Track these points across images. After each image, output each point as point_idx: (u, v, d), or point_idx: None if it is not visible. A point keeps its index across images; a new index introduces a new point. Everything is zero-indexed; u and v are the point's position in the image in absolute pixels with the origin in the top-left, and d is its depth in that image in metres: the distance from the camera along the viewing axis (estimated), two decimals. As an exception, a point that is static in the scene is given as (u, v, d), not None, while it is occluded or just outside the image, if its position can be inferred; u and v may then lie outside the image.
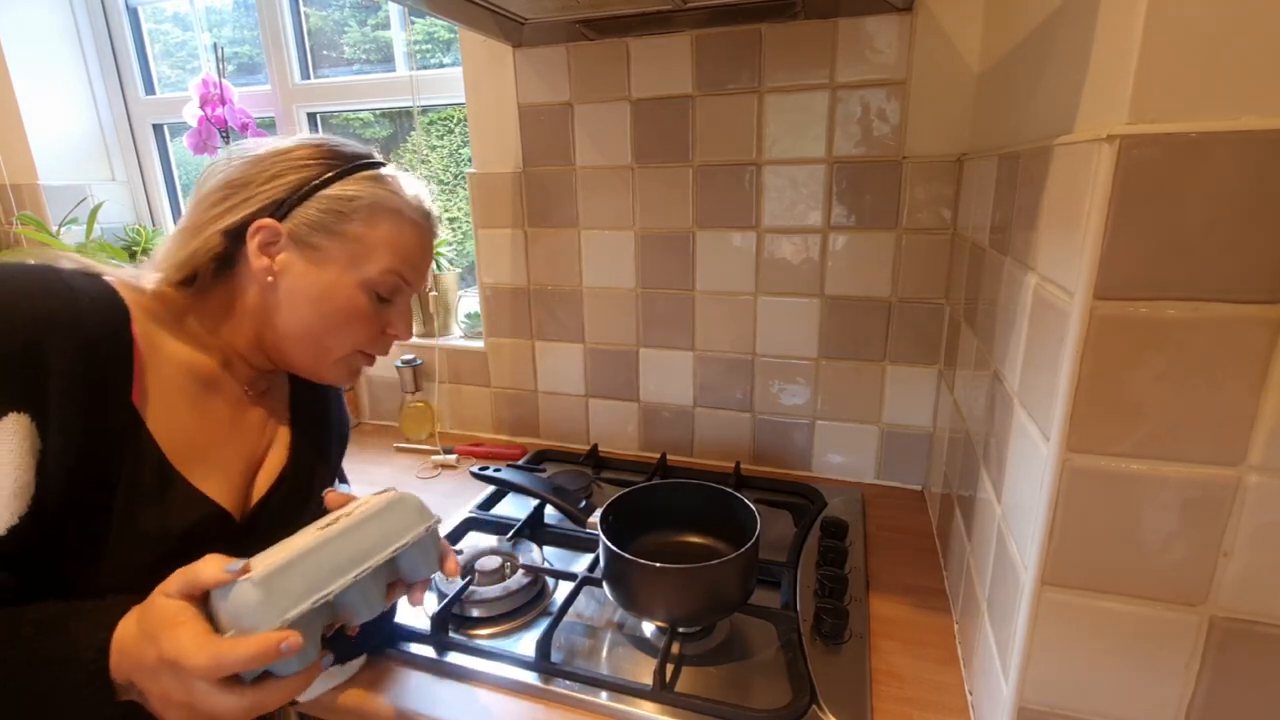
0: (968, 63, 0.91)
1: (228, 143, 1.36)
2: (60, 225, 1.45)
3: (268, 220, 0.58)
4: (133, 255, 1.48)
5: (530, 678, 0.68)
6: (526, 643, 0.73)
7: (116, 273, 0.58)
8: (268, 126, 1.47)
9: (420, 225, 0.64)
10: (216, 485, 0.59)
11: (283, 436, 0.68)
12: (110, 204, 1.57)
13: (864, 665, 0.69)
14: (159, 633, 0.43)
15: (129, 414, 0.53)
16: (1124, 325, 0.40)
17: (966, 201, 0.89)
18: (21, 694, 0.44)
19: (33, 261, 0.53)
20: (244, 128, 1.35)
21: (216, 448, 0.61)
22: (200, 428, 0.59)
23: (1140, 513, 0.43)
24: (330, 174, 0.60)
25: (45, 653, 0.45)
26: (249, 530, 0.62)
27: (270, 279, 0.59)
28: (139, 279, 0.58)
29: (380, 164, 0.64)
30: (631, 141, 1.08)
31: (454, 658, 0.72)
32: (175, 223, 1.67)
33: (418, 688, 0.69)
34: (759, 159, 1.02)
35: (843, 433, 1.10)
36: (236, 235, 0.58)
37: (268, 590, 0.45)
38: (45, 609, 0.47)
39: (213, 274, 0.59)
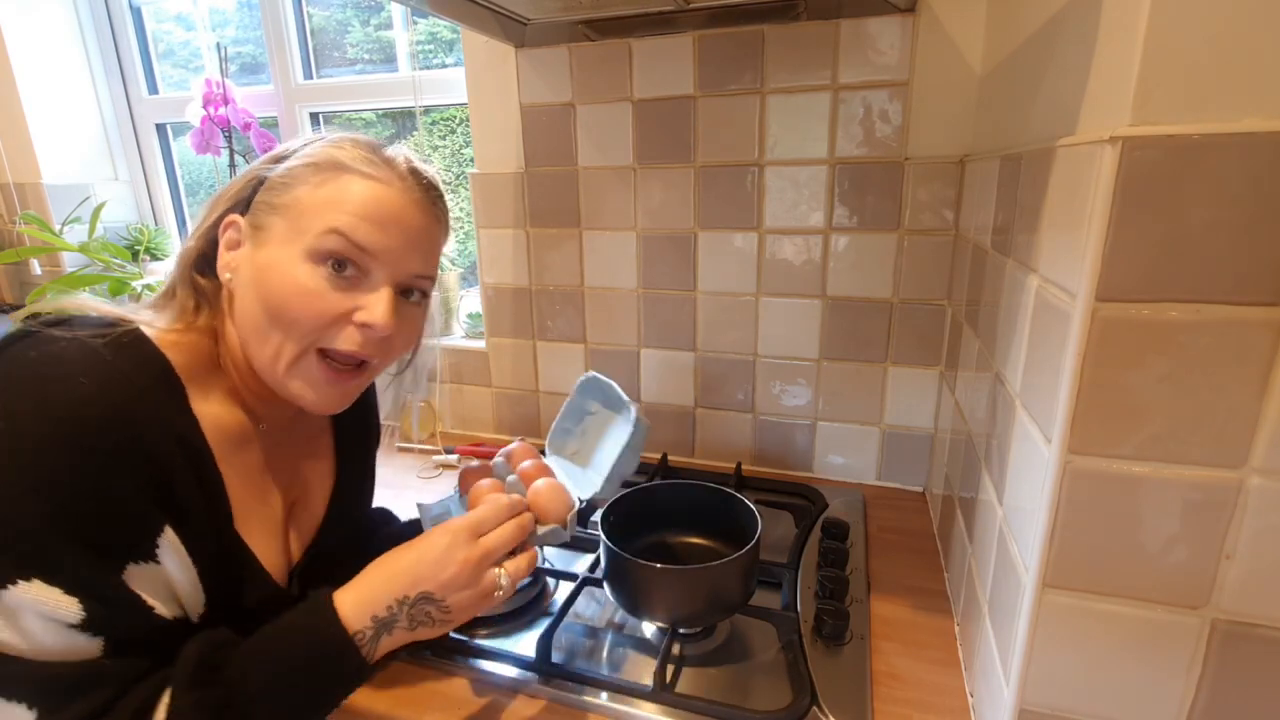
0: (970, 64, 0.91)
1: (230, 143, 1.36)
2: (63, 224, 1.45)
3: (232, 216, 0.55)
4: (135, 255, 1.48)
5: (530, 678, 0.68)
6: (527, 643, 0.73)
7: (144, 320, 0.53)
8: (270, 126, 1.47)
9: (381, 180, 0.53)
10: (263, 547, 0.57)
11: (320, 465, 0.68)
12: (113, 203, 1.58)
13: (865, 667, 0.69)
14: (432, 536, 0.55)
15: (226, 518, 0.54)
16: (1126, 327, 0.40)
17: (968, 203, 0.89)
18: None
19: (59, 332, 0.46)
20: (246, 127, 1.35)
21: (255, 505, 0.58)
22: (242, 491, 0.56)
23: (1142, 515, 0.43)
24: (290, 154, 0.55)
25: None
26: (297, 581, 0.62)
27: (228, 276, 0.54)
28: (157, 323, 0.53)
29: (346, 135, 0.57)
30: (633, 142, 1.08)
31: (454, 657, 0.72)
32: (177, 222, 1.69)
33: (418, 687, 0.69)
34: (761, 160, 1.02)
35: (844, 434, 1.10)
36: (210, 239, 0.56)
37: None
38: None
39: (206, 289, 0.57)
